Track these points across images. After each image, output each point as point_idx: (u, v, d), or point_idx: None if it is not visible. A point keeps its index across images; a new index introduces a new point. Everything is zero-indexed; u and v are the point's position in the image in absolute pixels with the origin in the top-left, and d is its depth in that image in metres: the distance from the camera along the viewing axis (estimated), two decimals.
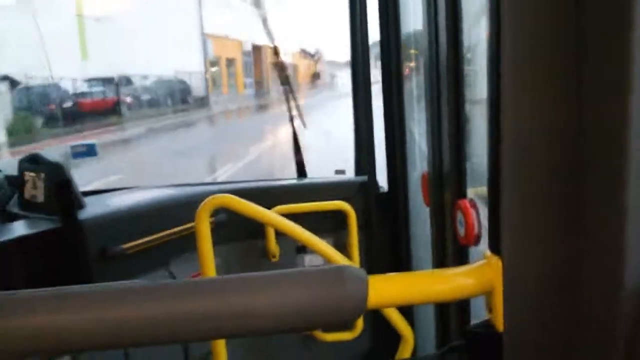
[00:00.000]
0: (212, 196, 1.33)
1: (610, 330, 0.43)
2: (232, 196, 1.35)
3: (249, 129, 14.92)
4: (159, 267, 1.63)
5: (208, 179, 7.53)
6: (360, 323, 1.66)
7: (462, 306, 1.18)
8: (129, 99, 17.60)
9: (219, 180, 7.39)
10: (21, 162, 1.68)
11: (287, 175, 2.12)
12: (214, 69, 22.55)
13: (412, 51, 1.75)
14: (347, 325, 1.65)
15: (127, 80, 17.77)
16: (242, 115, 19.97)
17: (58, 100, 14.41)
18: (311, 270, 0.54)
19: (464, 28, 1.13)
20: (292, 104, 1.97)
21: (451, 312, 1.24)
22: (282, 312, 0.50)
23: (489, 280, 0.57)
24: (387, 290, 0.57)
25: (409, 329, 1.39)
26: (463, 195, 1.17)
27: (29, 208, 1.60)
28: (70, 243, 1.45)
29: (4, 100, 12.46)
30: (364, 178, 1.85)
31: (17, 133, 11.20)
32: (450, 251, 1.22)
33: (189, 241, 1.44)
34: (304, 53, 32.56)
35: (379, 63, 1.77)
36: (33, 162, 1.64)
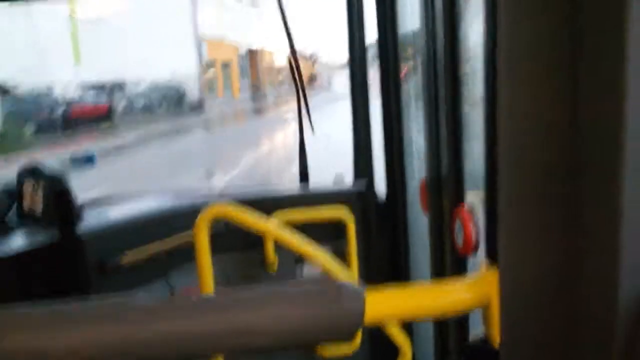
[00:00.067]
0: (211, 206, 1.34)
1: (608, 344, 0.43)
2: (231, 206, 1.36)
3: (244, 134, 14.95)
4: (158, 279, 1.65)
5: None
6: (358, 337, 1.66)
7: (461, 319, 1.17)
8: (121, 105, 17.65)
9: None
10: (20, 173, 1.70)
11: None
12: (209, 72, 22.65)
13: (410, 52, 1.74)
14: (345, 340, 1.65)
15: (120, 86, 17.83)
16: (238, 119, 20.04)
17: (49, 107, 14.44)
18: (309, 287, 0.55)
19: (462, 27, 1.12)
20: (303, 109, 1.95)
21: (450, 325, 1.24)
22: (280, 330, 0.51)
23: (485, 294, 0.57)
24: (384, 306, 0.58)
25: (407, 343, 1.39)
26: (461, 202, 1.16)
27: (28, 220, 1.62)
28: (69, 256, 1.47)
29: None
30: (363, 185, 1.85)
31: (5, 142, 11.22)
32: (449, 259, 1.21)
33: (188, 251, 1.45)
34: (300, 55, 32.69)
35: (376, 64, 1.77)
36: (32, 173, 1.66)
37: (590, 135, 0.40)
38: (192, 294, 1.64)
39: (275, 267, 1.81)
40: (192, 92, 20.96)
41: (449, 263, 1.21)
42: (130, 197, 1.90)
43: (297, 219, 1.72)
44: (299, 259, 1.82)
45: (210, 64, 22.47)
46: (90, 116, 15.38)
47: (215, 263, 1.36)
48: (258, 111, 22.34)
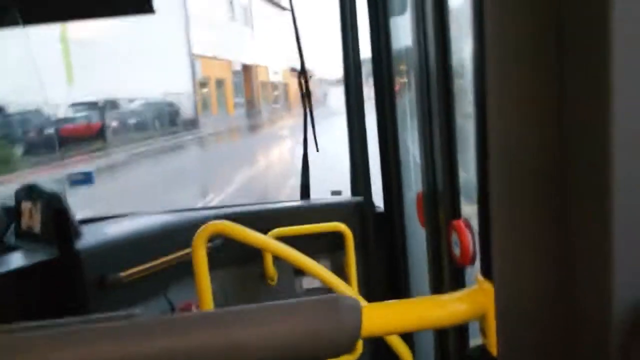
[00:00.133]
0: (208, 223, 1.36)
1: (604, 353, 0.43)
2: (228, 223, 1.38)
3: (237, 151, 14.94)
4: (157, 295, 1.66)
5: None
6: (359, 346, 1.66)
7: (461, 328, 1.19)
8: (115, 123, 17.66)
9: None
10: (17, 192, 1.72)
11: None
12: (204, 90, 22.77)
13: (403, 67, 1.79)
14: (343, 353, 1.65)
15: (113, 104, 17.86)
16: (232, 136, 20.06)
17: (39, 127, 14.43)
18: (305, 301, 0.56)
19: (453, 40, 1.16)
20: (308, 125, 1.98)
21: (450, 334, 1.25)
22: (277, 344, 0.52)
23: (481, 306, 0.58)
24: (380, 319, 0.58)
25: (408, 352, 1.39)
26: (458, 215, 1.18)
27: (26, 239, 1.63)
28: (68, 272, 1.49)
29: None
30: (360, 199, 1.87)
31: None
32: (447, 272, 1.23)
33: (186, 267, 1.46)
34: (295, 71, 32.94)
35: (371, 80, 1.81)
36: (30, 191, 1.68)
37: (580, 147, 0.41)
38: (191, 310, 1.65)
39: (275, 280, 1.81)
40: (187, 109, 21.05)
41: (447, 275, 1.23)
42: (128, 215, 1.91)
43: (295, 233, 1.73)
44: (298, 271, 1.83)
45: (204, 82, 22.62)
46: (82, 135, 15.38)
47: (214, 278, 1.38)
48: (253, 128, 22.40)
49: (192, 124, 20.80)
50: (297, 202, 2.00)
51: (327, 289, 1.44)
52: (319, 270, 1.39)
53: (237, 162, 11.67)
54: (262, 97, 28.80)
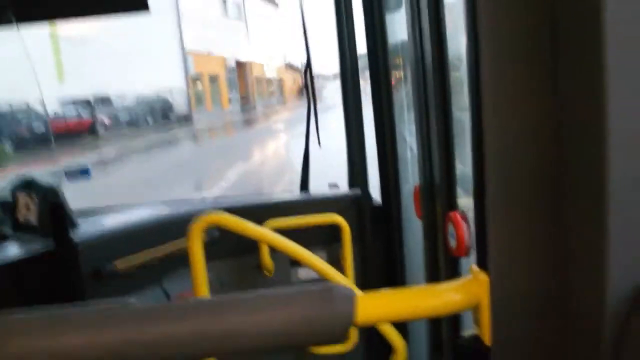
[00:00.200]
0: (204, 214, 1.36)
1: (597, 340, 0.45)
2: (224, 214, 1.38)
3: (231, 146, 14.89)
4: (153, 285, 1.68)
5: None
6: (354, 335, 1.68)
7: (453, 317, 1.21)
8: (107, 119, 17.58)
9: None
10: (14, 186, 1.74)
11: None
12: (198, 85, 22.71)
13: (399, 61, 1.80)
14: (338, 342, 1.67)
15: (105, 100, 17.78)
16: (227, 131, 20.01)
17: (30, 123, 14.35)
18: (300, 290, 0.57)
19: (449, 34, 1.17)
20: (312, 117, 1.99)
21: (443, 323, 1.27)
22: (271, 332, 0.53)
23: (475, 295, 0.59)
24: (374, 307, 0.59)
25: (401, 341, 1.41)
26: (454, 207, 1.20)
27: (23, 230, 1.65)
28: (64, 263, 1.50)
29: None
30: (357, 191, 1.89)
31: None
32: (443, 263, 1.25)
33: (182, 258, 1.48)
34: (290, 67, 32.90)
35: (367, 74, 1.83)
36: (26, 185, 1.69)
37: (574, 139, 0.42)
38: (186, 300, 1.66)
39: (271, 271, 1.83)
40: (180, 106, 20.98)
41: (443, 266, 1.25)
42: (124, 207, 1.93)
43: (291, 225, 1.75)
44: (295, 262, 1.84)
45: (197, 77, 22.54)
46: (72, 131, 15.32)
47: (209, 269, 1.39)
48: (247, 122, 22.34)
49: (185, 119, 20.74)
50: (294, 195, 2.01)
51: (323, 281, 1.46)
52: (315, 261, 1.40)
53: (226, 161, 11.55)
54: (257, 93, 28.75)
